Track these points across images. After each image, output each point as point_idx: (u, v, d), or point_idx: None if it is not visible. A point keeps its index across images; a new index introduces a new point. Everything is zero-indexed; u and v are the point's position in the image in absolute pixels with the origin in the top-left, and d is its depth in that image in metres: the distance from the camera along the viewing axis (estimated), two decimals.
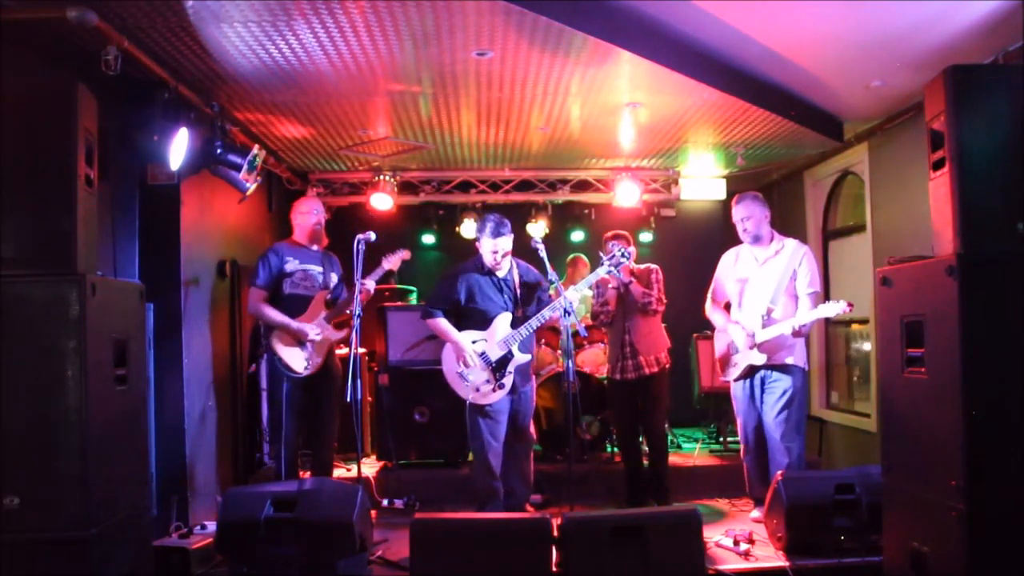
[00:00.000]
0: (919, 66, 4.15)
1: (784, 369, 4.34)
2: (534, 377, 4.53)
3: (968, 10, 3.58)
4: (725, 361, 4.59)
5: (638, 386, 4.92)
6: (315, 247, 4.78)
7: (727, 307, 4.69)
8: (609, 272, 4.49)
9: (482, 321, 4.38)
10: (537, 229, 7.18)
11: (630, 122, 5.34)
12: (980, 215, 2.85)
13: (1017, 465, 2.72)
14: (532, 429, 4.63)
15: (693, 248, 7.39)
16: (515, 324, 4.36)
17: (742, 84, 4.58)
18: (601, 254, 4.59)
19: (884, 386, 3.37)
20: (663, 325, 5.09)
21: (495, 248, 4.32)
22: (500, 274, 4.44)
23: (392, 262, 4.77)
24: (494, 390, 4.31)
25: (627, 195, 6.65)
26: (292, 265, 4.59)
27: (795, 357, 4.36)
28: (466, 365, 4.32)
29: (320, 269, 4.71)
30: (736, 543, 4.03)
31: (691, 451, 6.14)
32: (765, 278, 4.42)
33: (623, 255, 4.44)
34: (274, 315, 4.50)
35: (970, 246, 2.81)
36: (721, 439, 6.36)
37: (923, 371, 2.98)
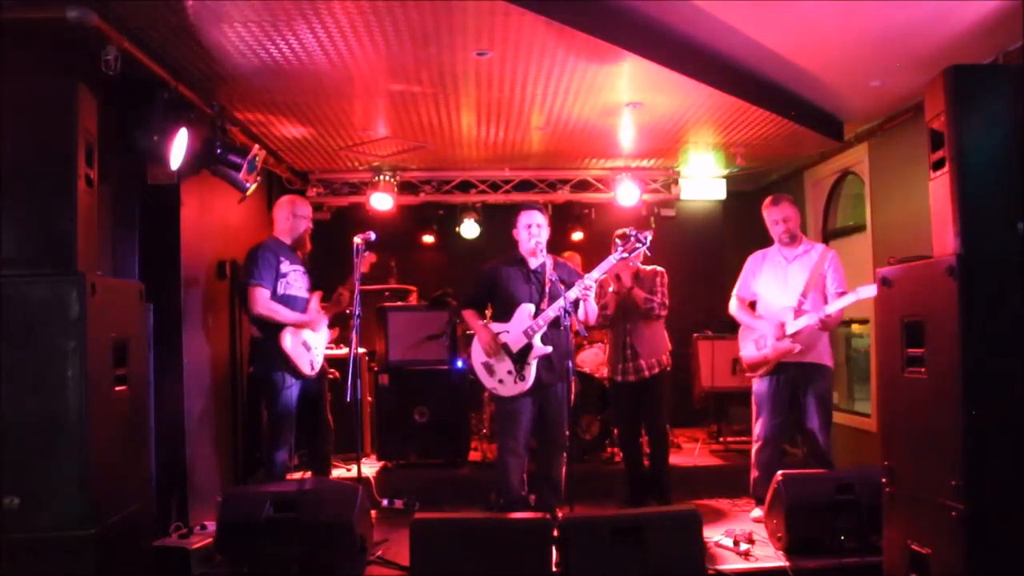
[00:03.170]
0: (919, 66, 4.15)
1: (820, 370, 4.43)
2: (574, 379, 4.39)
3: (968, 10, 3.58)
4: (752, 359, 4.57)
5: (639, 388, 4.92)
6: (297, 252, 4.70)
7: (751, 306, 4.71)
8: (623, 258, 4.34)
9: (507, 310, 4.35)
10: None
11: (630, 122, 5.34)
12: (980, 215, 2.85)
13: (1017, 465, 2.72)
14: (566, 433, 4.40)
15: (693, 248, 7.40)
16: (537, 315, 4.30)
17: (742, 84, 4.58)
18: (617, 240, 4.49)
19: (884, 386, 3.37)
20: (664, 327, 5.08)
21: (529, 222, 4.31)
22: (532, 264, 4.38)
23: (362, 264, 4.73)
24: (515, 381, 4.26)
25: (627, 195, 6.65)
26: (285, 266, 4.51)
27: (827, 357, 4.46)
28: (487, 355, 4.30)
29: (303, 270, 4.67)
30: (736, 543, 4.03)
31: (691, 451, 6.14)
32: (795, 274, 4.48)
33: (638, 241, 4.28)
34: (288, 313, 4.44)
35: (970, 246, 2.81)
36: (721, 439, 6.36)
37: (923, 371, 2.97)
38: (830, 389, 4.45)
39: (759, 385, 4.58)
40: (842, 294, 4.34)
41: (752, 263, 4.74)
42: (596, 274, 4.28)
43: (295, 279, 4.55)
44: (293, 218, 4.64)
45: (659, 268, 4.98)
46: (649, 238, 4.31)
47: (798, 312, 4.35)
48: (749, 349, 4.61)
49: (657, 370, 4.89)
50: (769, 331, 4.44)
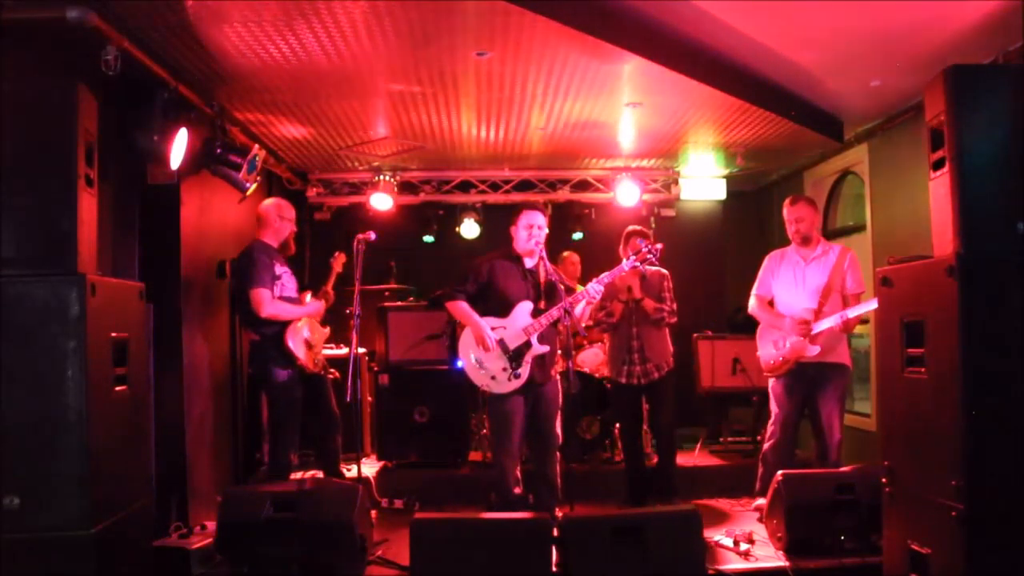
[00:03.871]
0: (919, 66, 4.15)
1: (839, 369, 4.44)
2: (557, 377, 4.40)
3: (968, 10, 3.58)
4: (772, 358, 4.57)
5: (645, 390, 4.94)
6: (281, 254, 4.70)
7: (771, 305, 4.72)
8: (634, 267, 4.35)
9: (503, 307, 4.28)
10: None
11: (630, 122, 5.34)
12: (980, 215, 2.84)
13: (1017, 465, 2.72)
14: (558, 430, 4.42)
15: (693, 248, 7.39)
16: (536, 315, 4.24)
17: (742, 84, 4.58)
18: (635, 240, 4.51)
19: (884, 386, 3.37)
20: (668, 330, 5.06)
21: (531, 222, 4.26)
22: (528, 263, 4.34)
23: (337, 264, 4.98)
24: (509, 379, 4.21)
25: (627, 195, 6.66)
26: (278, 268, 4.52)
27: (845, 356, 4.48)
28: (484, 350, 4.22)
29: (290, 272, 4.67)
30: (736, 543, 4.03)
31: (691, 451, 6.14)
32: (813, 276, 4.49)
33: (650, 253, 4.30)
34: (294, 309, 4.46)
35: (970, 246, 2.81)
36: (721, 439, 6.36)
37: (923, 371, 2.97)
38: (847, 390, 4.48)
39: (776, 384, 4.59)
40: (861, 294, 4.39)
41: (771, 262, 4.75)
42: (607, 278, 4.29)
43: (287, 281, 4.58)
44: (280, 221, 4.64)
45: (664, 271, 4.98)
46: (659, 249, 4.35)
47: (818, 314, 4.37)
48: (768, 349, 4.61)
49: (665, 371, 4.91)
50: (792, 329, 4.43)
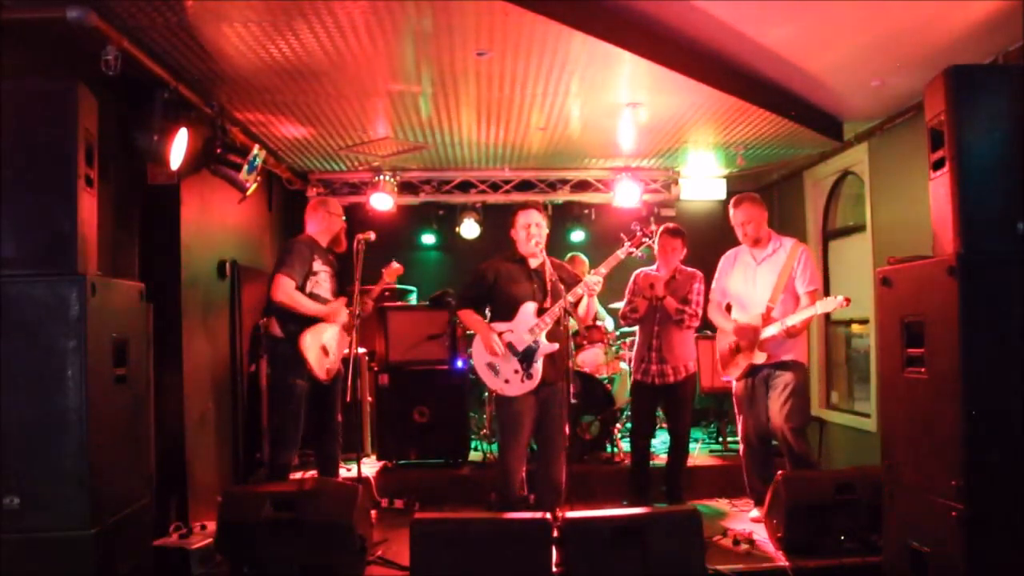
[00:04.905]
0: (919, 66, 4.14)
1: (784, 366, 4.35)
2: (573, 378, 4.31)
3: (968, 10, 3.58)
4: (726, 362, 4.59)
5: (661, 390, 4.94)
6: (329, 254, 4.68)
7: (728, 308, 4.69)
8: (629, 253, 4.26)
9: (509, 309, 4.26)
10: None
11: (630, 122, 5.34)
12: (980, 215, 2.85)
13: (1017, 465, 2.72)
14: (566, 431, 4.27)
15: (693, 248, 7.35)
16: (542, 314, 4.21)
17: (742, 84, 4.58)
18: (622, 235, 4.48)
19: (884, 386, 3.38)
20: (692, 333, 5.03)
21: (528, 221, 4.24)
22: (532, 264, 4.32)
23: (390, 276, 4.85)
24: (522, 380, 4.19)
25: (627, 195, 6.66)
26: (317, 264, 4.50)
27: (795, 353, 4.37)
28: (494, 355, 4.20)
29: (332, 272, 4.66)
30: (736, 543, 4.03)
31: (691, 451, 6.13)
32: (763, 277, 4.43)
33: (645, 236, 4.24)
34: (309, 304, 4.39)
35: (970, 246, 2.81)
36: (721, 439, 6.37)
37: (923, 371, 2.98)
38: (799, 384, 4.32)
39: (735, 387, 4.60)
40: (812, 292, 4.30)
41: (724, 264, 4.71)
42: (604, 270, 4.23)
43: (324, 279, 4.55)
44: (329, 216, 4.65)
45: (697, 272, 4.97)
46: (654, 229, 4.39)
47: (766, 319, 4.31)
48: (724, 354, 4.63)
49: (683, 375, 4.90)
50: (738, 337, 4.43)
